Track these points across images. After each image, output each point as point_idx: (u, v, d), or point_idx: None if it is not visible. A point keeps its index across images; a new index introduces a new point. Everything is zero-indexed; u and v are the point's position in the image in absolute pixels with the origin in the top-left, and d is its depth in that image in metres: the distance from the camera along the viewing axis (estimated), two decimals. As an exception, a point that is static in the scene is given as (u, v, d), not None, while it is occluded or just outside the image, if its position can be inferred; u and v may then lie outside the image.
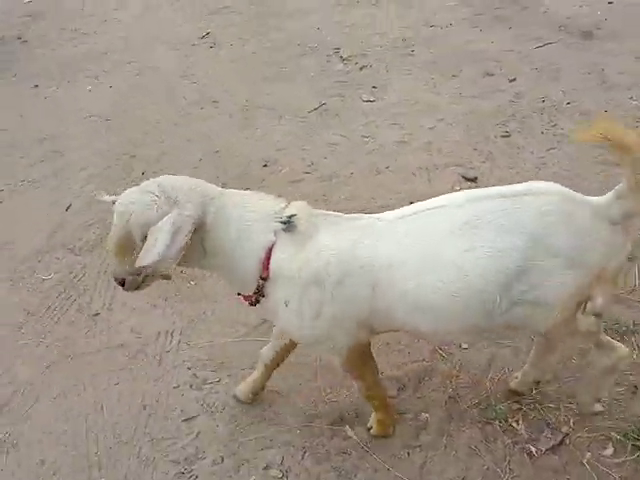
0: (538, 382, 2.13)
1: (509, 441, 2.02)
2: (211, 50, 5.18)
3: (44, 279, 2.98)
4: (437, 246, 1.61)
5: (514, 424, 2.06)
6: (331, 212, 1.79)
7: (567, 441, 2.00)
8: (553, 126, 3.59)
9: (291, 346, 2.09)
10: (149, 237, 1.54)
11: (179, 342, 2.56)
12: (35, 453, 2.21)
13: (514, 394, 2.12)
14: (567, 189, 1.65)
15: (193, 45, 5.29)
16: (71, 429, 2.27)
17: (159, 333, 2.61)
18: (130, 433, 2.23)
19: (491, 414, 2.10)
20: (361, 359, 1.89)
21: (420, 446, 2.06)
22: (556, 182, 1.69)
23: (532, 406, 2.12)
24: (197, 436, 2.19)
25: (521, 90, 3.98)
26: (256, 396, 2.25)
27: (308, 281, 1.66)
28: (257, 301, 1.76)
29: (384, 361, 2.33)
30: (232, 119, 4.13)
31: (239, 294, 1.83)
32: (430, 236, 1.63)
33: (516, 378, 2.12)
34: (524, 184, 1.67)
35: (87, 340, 2.63)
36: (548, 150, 3.38)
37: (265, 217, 1.69)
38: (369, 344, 1.90)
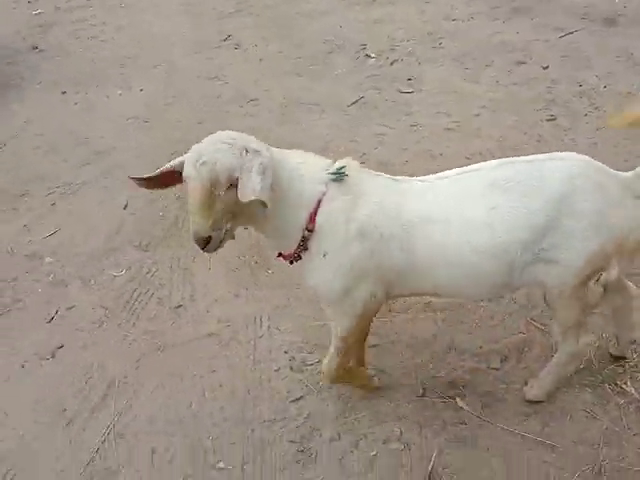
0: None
1: (622, 402, 2.09)
2: (236, 51, 5.21)
3: (115, 276, 2.98)
4: (468, 205, 1.70)
5: (624, 386, 2.12)
6: (373, 171, 1.85)
7: (679, 398, 2.06)
8: (595, 109, 3.69)
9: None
10: (243, 178, 1.55)
11: (269, 327, 2.58)
12: (144, 443, 2.21)
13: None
14: (594, 161, 1.73)
15: (217, 47, 5.31)
16: (177, 417, 2.27)
17: (247, 320, 2.62)
18: (239, 417, 2.24)
19: (598, 378, 2.16)
20: (361, 333, 1.96)
21: (535, 413, 2.10)
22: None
23: (636, 367, 2.18)
24: (309, 416, 2.20)
25: (556, 77, 4.09)
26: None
27: (354, 234, 1.71)
28: (299, 257, 1.78)
29: (482, 336, 2.40)
30: (273, 115, 4.16)
31: (279, 255, 1.86)
32: (463, 196, 1.72)
33: (530, 387, 2.14)
34: (553, 153, 1.76)
35: (174, 332, 2.63)
36: (597, 130, 3.47)
37: (316, 169, 1.75)
38: (370, 322, 1.95)
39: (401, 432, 2.10)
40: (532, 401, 2.12)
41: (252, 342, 2.52)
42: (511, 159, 1.77)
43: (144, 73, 5.00)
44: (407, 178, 1.86)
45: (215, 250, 1.62)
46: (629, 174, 1.72)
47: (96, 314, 2.77)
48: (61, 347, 2.64)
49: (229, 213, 1.59)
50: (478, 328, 2.44)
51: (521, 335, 2.38)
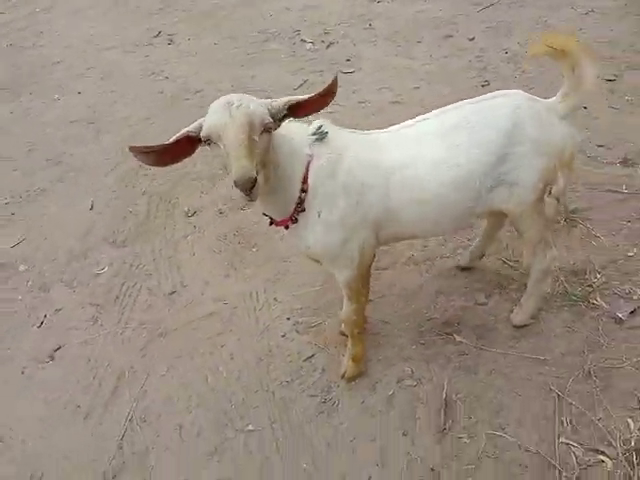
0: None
1: (596, 314, 2.38)
2: (170, 47, 5.21)
3: (98, 273, 2.97)
4: (434, 146, 1.93)
5: (594, 301, 2.42)
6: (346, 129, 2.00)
7: (641, 305, 2.39)
8: (522, 72, 4.04)
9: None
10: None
11: (266, 300, 2.68)
12: (168, 421, 2.27)
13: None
14: (526, 93, 2.03)
15: (149, 45, 5.29)
16: (195, 393, 2.35)
17: (243, 296, 2.71)
18: (257, 383, 2.34)
19: (572, 299, 2.45)
20: (364, 278, 2.12)
21: (524, 335, 2.36)
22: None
23: (603, 286, 2.48)
24: (323, 371, 2.35)
25: (483, 46, 4.43)
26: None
27: (340, 188, 1.87)
28: (295, 220, 1.89)
29: (465, 279, 2.65)
30: (222, 105, 4.21)
31: (271, 223, 1.96)
32: (427, 139, 1.94)
33: (516, 314, 2.40)
34: (493, 93, 2.03)
35: (173, 317, 2.68)
36: (529, 90, 3.80)
37: (301, 132, 1.88)
38: (371, 264, 2.11)
39: (412, 371, 2.29)
40: (519, 326, 2.38)
41: (253, 315, 2.62)
42: (460, 102, 2.00)
43: (78, 76, 4.91)
44: (375, 131, 2.03)
45: (257, 196, 1.58)
46: (551, 100, 2.03)
47: (87, 312, 2.77)
48: (58, 348, 2.63)
49: (263, 161, 1.64)
50: (459, 273, 2.67)
51: (499, 273, 2.64)
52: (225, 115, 1.56)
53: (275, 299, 2.68)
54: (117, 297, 2.83)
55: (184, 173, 3.55)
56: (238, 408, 2.27)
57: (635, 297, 2.42)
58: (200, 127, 1.64)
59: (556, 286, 2.53)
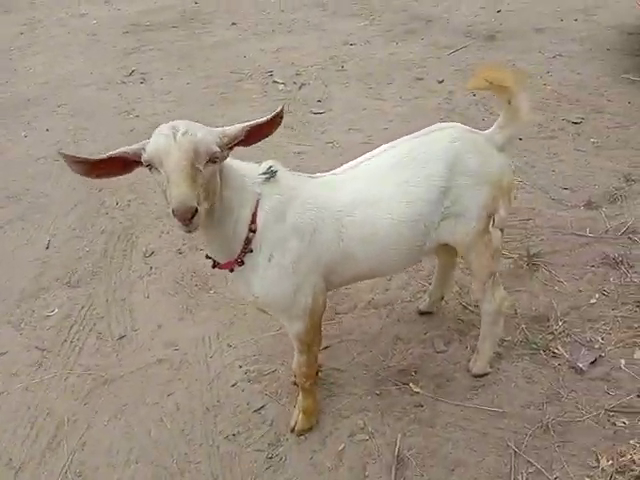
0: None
1: (556, 364, 2.30)
2: (143, 85, 5.21)
3: (48, 315, 2.85)
4: (382, 184, 1.90)
5: (555, 350, 2.34)
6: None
7: (602, 354, 2.30)
8: (491, 114, 4.06)
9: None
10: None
11: (220, 345, 2.57)
12: (105, 476, 2.12)
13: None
14: (463, 125, 2.03)
15: (122, 83, 5.29)
16: (137, 446, 2.21)
17: (196, 342, 2.61)
18: (202, 436, 2.21)
19: (533, 347, 2.37)
20: (316, 327, 2.02)
21: (483, 385, 2.27)
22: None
23: (564, 333, 2.41)
24: (272, 423, 2.23)
25: (452, 89, 4.46)
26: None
27: (291, 231, 1.81)
28: (242, 262, 1.79)
29: (425, 325, 2.56)
30: (191, 144, 4.17)
31: (214, 266, 1.84)
32: (375, 178, 1.91)
33: (474, 362, 2.31)
34: (431, 126, 2.02)
35: (121, 363, 2.56)
36: (495, 133, 3.81)
37: (252, 170, 1.82)
38: (323, 312, 2.01)
39: (364, 423, 2.18)
40: (479, 375, 2.28)
41: (204, 362, 2.50)
42: (400, 140, 1.99)
43: (48, 114, 4.87)
44: (322, 174, 1.98)
45: (197, 228, 1.51)
46: (488, 131, 2.01)
47: (32, 357, 2.64)
48: (-3, 396, 2.49)
49: (206, 192, 1.54)
50: (419, 318, 2.59)
51: (459, 319, 2.56)
52: (169, 140, 1.49)
53: (229, 345, 2.58)
54: (65, 341, 2.70)
55: (146, 211, 3.47)
56: (179, 463, 2.13)
57: (596, 346, 2.35)
58: (140, 149, 1.56)
59: (516, 334, 2.45)
